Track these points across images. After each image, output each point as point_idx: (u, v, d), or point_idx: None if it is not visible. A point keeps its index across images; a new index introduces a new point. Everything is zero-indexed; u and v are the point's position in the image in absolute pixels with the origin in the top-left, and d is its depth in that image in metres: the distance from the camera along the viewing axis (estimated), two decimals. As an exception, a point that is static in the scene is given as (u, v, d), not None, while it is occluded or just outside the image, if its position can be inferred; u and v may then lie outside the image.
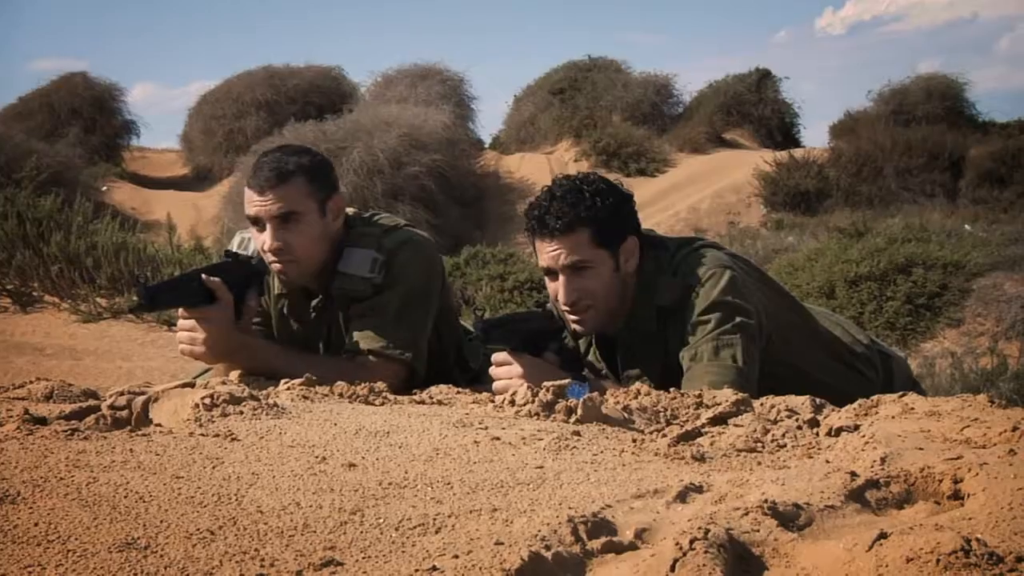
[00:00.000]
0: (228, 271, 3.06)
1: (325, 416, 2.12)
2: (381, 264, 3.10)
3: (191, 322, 2.96)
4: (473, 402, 2.45)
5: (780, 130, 26.76)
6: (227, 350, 3.01)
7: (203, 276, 2.97)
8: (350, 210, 3.30)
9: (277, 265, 3.10)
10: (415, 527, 1.42)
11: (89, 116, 25.05)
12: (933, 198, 19.75)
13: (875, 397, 2.20)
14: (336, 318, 3.22)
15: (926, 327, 11.83)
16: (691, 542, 1.24)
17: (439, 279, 3.26)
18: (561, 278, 2.88)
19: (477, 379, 3.19)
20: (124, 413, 2.11)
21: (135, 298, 2.92)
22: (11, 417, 1.97)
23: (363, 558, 1.31)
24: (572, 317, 2.92)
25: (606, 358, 3.07)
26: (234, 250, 3.24)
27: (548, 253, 2.88)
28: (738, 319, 2.81)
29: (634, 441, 1.99)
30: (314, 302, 3.24)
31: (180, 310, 3.00)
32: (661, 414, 2.26)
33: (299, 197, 3.06)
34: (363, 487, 1.60)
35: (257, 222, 3.09)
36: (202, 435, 1.92)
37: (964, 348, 10.98)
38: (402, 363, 3.07)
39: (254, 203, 3.06)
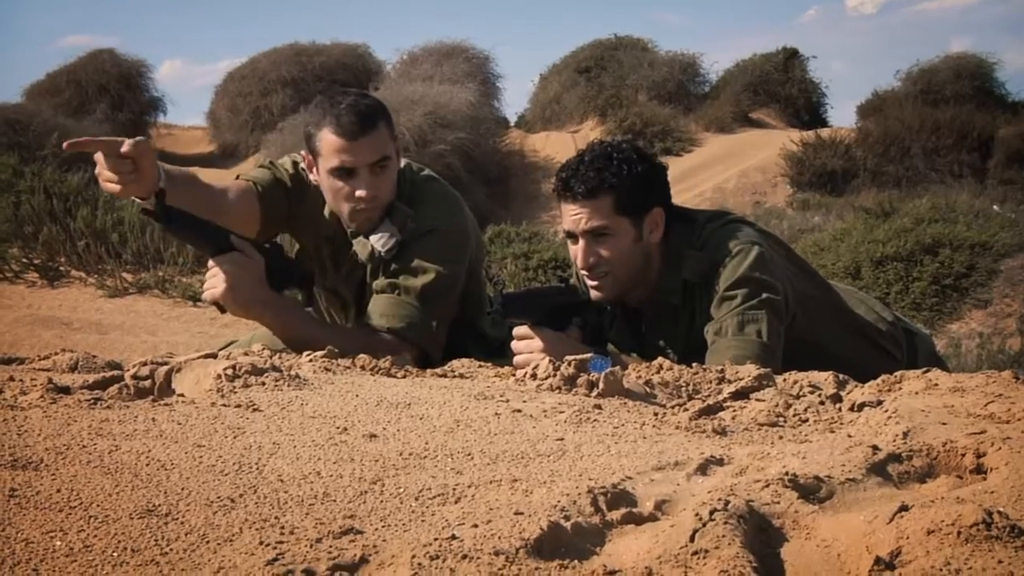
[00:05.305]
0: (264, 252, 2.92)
1: (347, 388, 2.12)
2: (395, 243, 3.06)
3: (216, 268, 2.84)
4: (495, 375, 2.45)
5: (807, 109, 26.52)
6: (250, 299, 2.86)
7: (232, 236, 2.84)
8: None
9: (364, 214, 3.04)
10: (435, 497, 1.42)
11: (116, 93, 25.07)
12: (961, 178, 19.56)
13: (898, 373, 2.19)
14: (365, 275, 3.19)
15: (953, 308, 11.74)
16: (711, 513, 1.24)
17: (469, 260, 3.20)
18: (581, 242, 2.91)
19: (498, 352, 3.17)
20: (147, 383, 2.12)
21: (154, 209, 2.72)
22: (35, 386, 1.99)
23: (383, 527, 1.31)
24: (591, 282, 2.95)
25: (631, 330, 3.08)
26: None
27: (571, 216, 2.91)
28: (764, 295, 2.81)
29: (655, 414, 1.98)
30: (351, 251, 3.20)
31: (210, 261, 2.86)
32: (683, 388, 2.26)
33: (386, 141, 3.03)
34: (383, 457, 1.61)
35: (350, 173, 2.99)
36: (224, 405, 1.92)
37: (991, 329, 10.91)
38: (416, 346, 3.03)
39: (346, 151, 2.97)
